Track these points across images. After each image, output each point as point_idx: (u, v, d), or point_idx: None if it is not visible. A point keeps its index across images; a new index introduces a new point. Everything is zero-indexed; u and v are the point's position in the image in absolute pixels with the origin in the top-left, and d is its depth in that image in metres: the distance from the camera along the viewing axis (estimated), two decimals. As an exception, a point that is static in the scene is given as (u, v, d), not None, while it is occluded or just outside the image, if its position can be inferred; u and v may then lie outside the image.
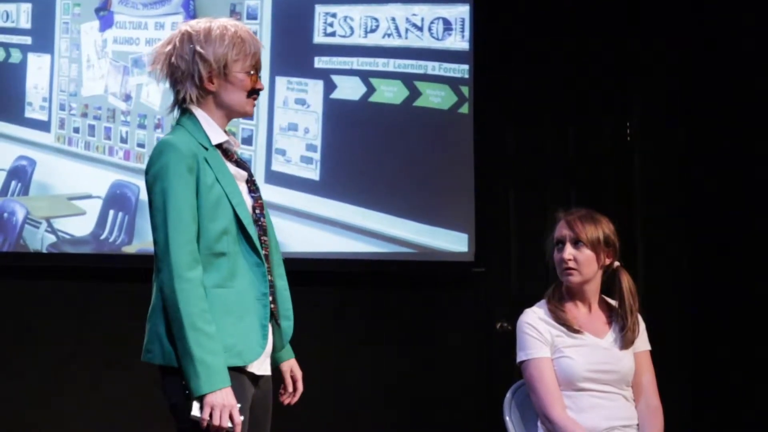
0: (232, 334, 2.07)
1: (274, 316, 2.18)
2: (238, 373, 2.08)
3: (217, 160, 2.14)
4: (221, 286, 2.08)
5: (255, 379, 2.15)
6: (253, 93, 2.20)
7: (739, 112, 3.85)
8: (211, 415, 2.00)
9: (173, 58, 2.16)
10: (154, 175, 2.09)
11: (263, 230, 2.18)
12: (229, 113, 2.20)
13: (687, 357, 3.99)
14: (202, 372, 2.00)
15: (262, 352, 2.12)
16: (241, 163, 2.22)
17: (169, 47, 2.17)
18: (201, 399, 2.01)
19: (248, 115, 2.25)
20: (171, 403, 2.08)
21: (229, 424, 2.02)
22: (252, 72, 2.18)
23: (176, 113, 2.22)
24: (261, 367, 2.17)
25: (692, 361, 4.00)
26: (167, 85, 2.21)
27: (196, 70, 2.14)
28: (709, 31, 4.05)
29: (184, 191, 2.06)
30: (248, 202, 2.17)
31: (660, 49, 4.16)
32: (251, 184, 2.21)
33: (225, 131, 2.21)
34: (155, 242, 2.09)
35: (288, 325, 2.23)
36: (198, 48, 2.14)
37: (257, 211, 2.18)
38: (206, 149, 2.13)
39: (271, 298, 2.17)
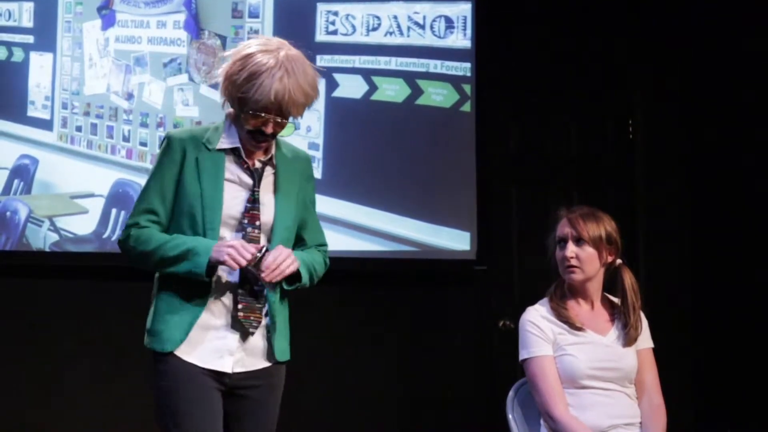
0: (164, 321, 2.26)
1: (243, 326, 2.27)
2: (191, 365, 2.23)
3: (214, 163, 2.26)
4: (173, 277, 2.25)
5: (220, 375, 2.26)
6: (257, 133, 2.23)
7: (741, 110, 3.87)
8: (236, 261, 2.18)
9: (220, 70, 2.30)
10: None
11: (250, 241, 2.25)
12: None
13: (689, 354, 4.00)
14: (192, 256, 2.20)
15: (178, 344, 2.24)
16: (253, 173, 2.28)
17: (226, 59, 2.29)
18: (214, 265, 2.21)
19: (255, 149, 2.28)
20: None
21: (247, 255, 2.18)
22: (261, 114, 2.19)
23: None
24: (222, 363, 2.26)
25: (694, 359, 4.01)
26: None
27: (220, 94, 2.29)
28: (710, 29, 4.06)
29: (159, 178, 2.26)
30: (237, 208, 2.26)
31: (661, 47, 4.17)
32: (251, 194, 2.27)
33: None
34: None
35: (282, 345, 2.33)
36: (225, 79, 2.24)
37: (245, 221, 2.25)
38: (208, 150, 2.26)
39: (241, 306, 2.27)
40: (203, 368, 2.26)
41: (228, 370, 2.27)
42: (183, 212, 2.25)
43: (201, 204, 2.23)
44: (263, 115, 2.18)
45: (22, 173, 4.12)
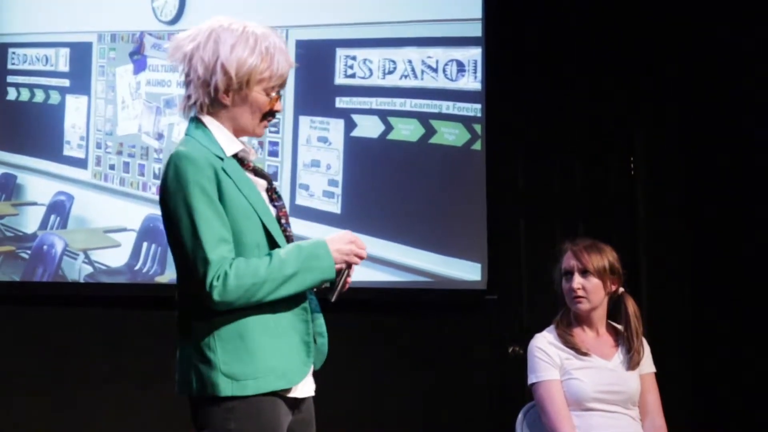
0: (274, 354, 1.87)
1: (315, 339, 1.99)
2: (276, 399, 1.88)
3: (236, 169, 1.92)
4: (258, 304, 1.88)
5: (297, 403, 1.97)
6: (269, 115, 1.96)
7: (741, 145, 3.86)
8: (359, 257, 1.93)
9: (194, 60, 1.91)
10: (171, 191, 1.83)
11: (291, 241, 1.97)
12: (238, 130, 1.96)
13: (690, 378, 4.02)
14: (314, 262, 1.87)
15: (307, 371, 1.93)
16: (260, 172, 1.99)
17: (192, 45, 1.91)
18: (336, 277, 1.91)
19: (257, 136, 2.00)
20: None
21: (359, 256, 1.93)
22: (274, 94, 1.94)
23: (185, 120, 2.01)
24: (304, 389, 1.97)
25: (695, 383, 4.02)
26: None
27: (214, 80, 1.89)
28: (709, 67, 4.06)
29: (208, 202, 1.83)
30: (272, 211, 1.95)
31: (661, 87, 4.20)
32: (272, 192, 1.99)
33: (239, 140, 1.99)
34: (180, 257, 1.85)
35: (323, 342, 2.01)
36: (222, 57, 1.88)
37: (282, 221, 1.97)
38: (221, 159, 1.89)
39: (314, 316, 1.99)
40: (302, 399, 1.95)
41: (311, 393, 1.99)
42: (243, 232, 1.87)
43: (258, 216, 1.89)
44: (277, 93, 1.94)
45: (59, 209, 4.19)
